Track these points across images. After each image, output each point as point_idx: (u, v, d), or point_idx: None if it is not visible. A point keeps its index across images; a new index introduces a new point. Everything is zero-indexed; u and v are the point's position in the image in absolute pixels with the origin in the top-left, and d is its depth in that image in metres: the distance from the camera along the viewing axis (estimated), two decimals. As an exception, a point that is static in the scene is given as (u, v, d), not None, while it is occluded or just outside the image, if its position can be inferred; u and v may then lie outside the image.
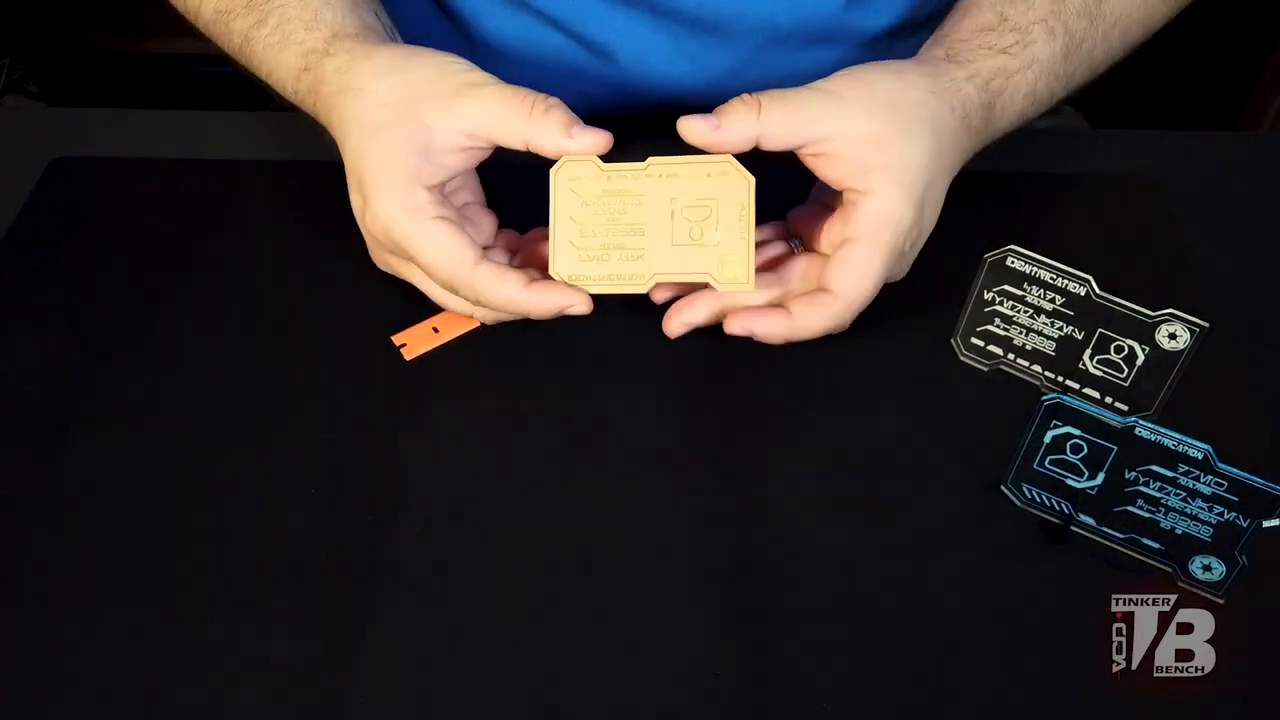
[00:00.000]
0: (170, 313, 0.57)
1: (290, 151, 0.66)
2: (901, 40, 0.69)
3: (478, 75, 0.52)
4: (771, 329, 0.51)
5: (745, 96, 0.50)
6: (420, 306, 0.56)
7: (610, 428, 0.52)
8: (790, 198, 0.57)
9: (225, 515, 0.49)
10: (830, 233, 0.52)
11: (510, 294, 0.51)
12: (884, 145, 0.50)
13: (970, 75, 0.54)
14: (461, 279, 0.50)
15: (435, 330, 0.56)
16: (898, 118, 0.50)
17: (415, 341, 0.55)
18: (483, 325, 0.56)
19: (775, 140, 0.50)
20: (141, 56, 1.56)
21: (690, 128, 0.50)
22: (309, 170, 0.64)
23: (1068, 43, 0.57)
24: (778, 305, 0.52)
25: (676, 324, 0.53)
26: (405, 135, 0.50)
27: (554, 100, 0.50)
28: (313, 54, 0.54)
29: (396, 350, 0.55)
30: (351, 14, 0.56)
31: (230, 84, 0.69)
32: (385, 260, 0.55)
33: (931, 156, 0.51)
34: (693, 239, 0.50)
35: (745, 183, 0.49)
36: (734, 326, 0.52)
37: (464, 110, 0.50)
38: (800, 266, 0.53)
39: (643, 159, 0.50)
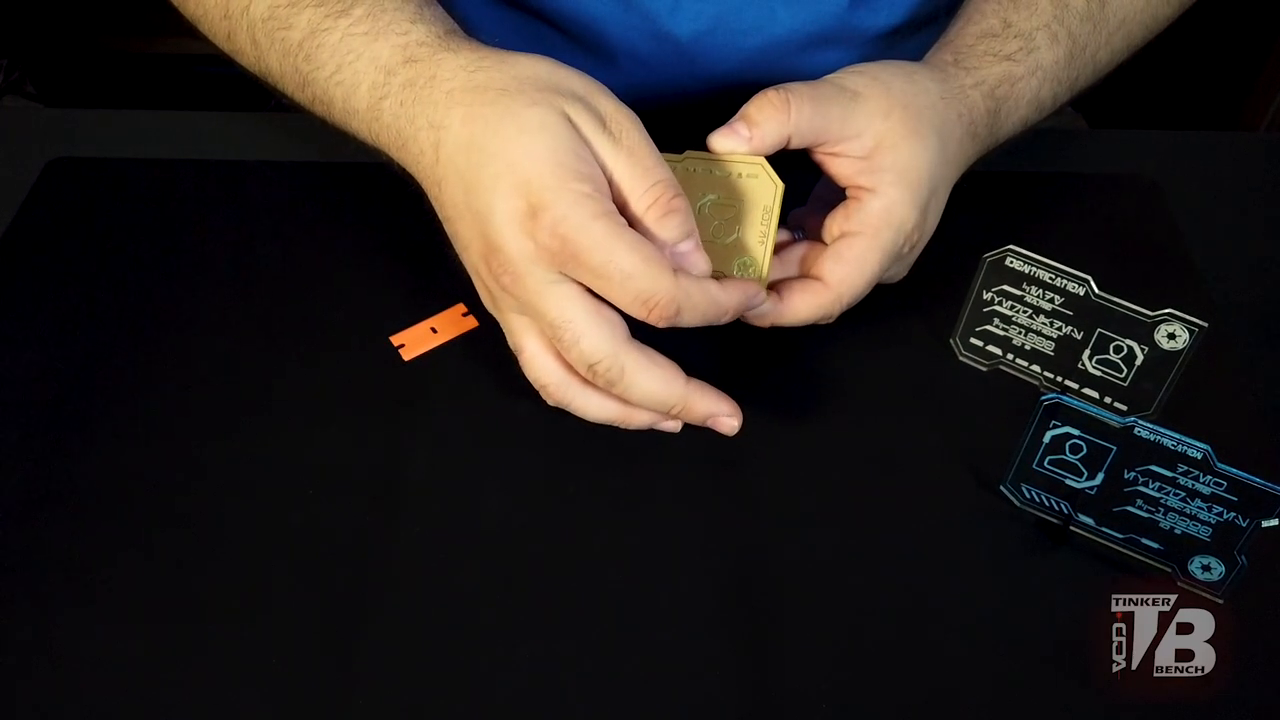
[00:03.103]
0: (169, 313, 0.57)
1: (290, 151, 0.66)
2: (904, 40, 0.69)
3: (621, 112, 0.47)
4: (757, 311, 0.51)
5: (772, 94, 0.49)
6: (419, 308, 0.56)
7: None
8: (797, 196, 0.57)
9: (224, 515, 0.49)
10: (831, 225, 0.51)
11: (715, 295, 0.47)
12: (895, 146, 0.50)
13: (977, 83, 0.54)
14: (672, 287, 0.45)
15: (434, 331, 0.56)
16: (909, 119, 0.50)
17: (414, 342, 0.55)
18: (481, 325, 0.55)
19: (801, 141, 0.49)
20: (141, 57, 1.56)
21: (722, 144, 0.49)
22: (309, 170, 0.64)
23: (1071, 48, 0.57)
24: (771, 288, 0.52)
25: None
26: (569, 136, 0.45)
27: (677, 204, 0.46)
28: (423, 46, 0.49)
29: (395, 350, 0.55)
30: (449, 16, 0.53)
31: (230, 84, 0.69)
32: (525, 282, 0.46)
33: (938, 161, 0.51)
34: (714, 236, 0.50)
35: (773, 188, 0.49)
36: None
37: (601, 145, 0.46)
38: (799, 252, 0.53)
39: (680, 151, 0.50)
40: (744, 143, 0.49)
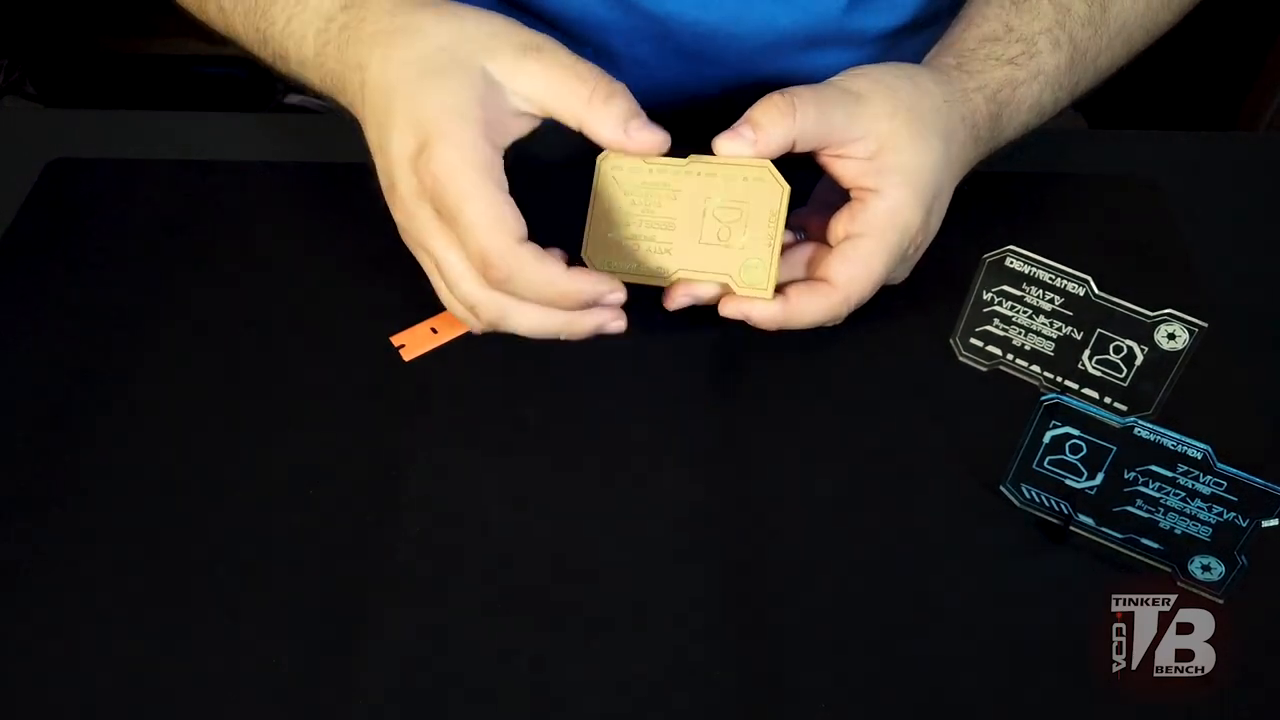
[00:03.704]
0: (169, 313, 0.57)
1: (290, 151, 0.66)
2: (902, 41, 0.70)
3: (542, 39, 0.49)
4: (766, 314, 0.51)
5: (776, 97, 0.49)
6: (419, 308, 0.56)
7: (609, 428, 0.52)
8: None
9: (224, 515, 0.49)
10: (836, 227, 0.51)
11: (552, 275, 0.47)
12: (899, 148, 0.50)
13: (979, 86, 0.54)
14: (504, 252, 0.46)
15: (434, 331, 0.56)
16: (913, 121, 0.50)
17: (414, 342, 0.55)
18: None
19: (806, 144, 0.50)
20: (140, 57, 1.56)
21: (727, 147, 0.49)
22: (309, 170, 0.64)
23: (1072, 52, 0.57)
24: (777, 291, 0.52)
25: (681, 296, 0.52)
26: (473, 85, 0.47)
27: (618, 87, 0.48)
28: None
29: (395, 351, 0.55)
30: None
31: (230, 84, 0.69)
32: (415, 220, 0.48)
33: (942, 163, 0.51)
34: (720, 240, 0.50)
35: (779, 191, 0.49)
36: (729, 310, 0.51)
37: (526, 72, 0.47)
38: (805, 254, 0.53)
39: (685, 155, 0.50)
40: (749, 146, 0.49)
